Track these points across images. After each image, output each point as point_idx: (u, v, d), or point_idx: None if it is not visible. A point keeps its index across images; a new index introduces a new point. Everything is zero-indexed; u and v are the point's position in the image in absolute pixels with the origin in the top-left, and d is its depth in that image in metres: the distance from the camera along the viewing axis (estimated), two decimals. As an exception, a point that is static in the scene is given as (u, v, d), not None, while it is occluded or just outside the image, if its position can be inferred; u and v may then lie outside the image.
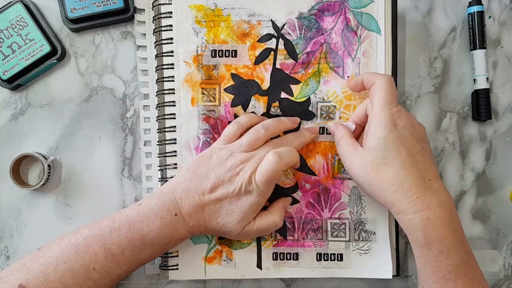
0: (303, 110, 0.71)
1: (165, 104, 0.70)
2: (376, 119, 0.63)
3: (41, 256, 0.59)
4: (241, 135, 0.67)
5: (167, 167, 0.71)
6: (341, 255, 0.72)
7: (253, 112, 0.71)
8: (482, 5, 0.74)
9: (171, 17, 0.70)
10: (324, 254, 0.72)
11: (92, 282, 0.59)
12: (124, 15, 0.73)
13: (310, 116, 0.71)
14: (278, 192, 0.70)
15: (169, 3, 0.70)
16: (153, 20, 0.71)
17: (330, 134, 0.71)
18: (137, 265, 0.63)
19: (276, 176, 0.62)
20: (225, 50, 0.70)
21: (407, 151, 0.61)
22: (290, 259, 0.71)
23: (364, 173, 0.63)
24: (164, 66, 0.70)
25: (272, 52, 0.71)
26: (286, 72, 0.71)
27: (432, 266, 0.60)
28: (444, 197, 0.61)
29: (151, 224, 0.61)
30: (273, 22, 0.70)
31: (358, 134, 0.70)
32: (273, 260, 0.71)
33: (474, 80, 0.75)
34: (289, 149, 0.64)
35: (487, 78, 0.74)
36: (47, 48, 0.72)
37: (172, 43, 0.70)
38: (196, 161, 0.66)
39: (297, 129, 0.71)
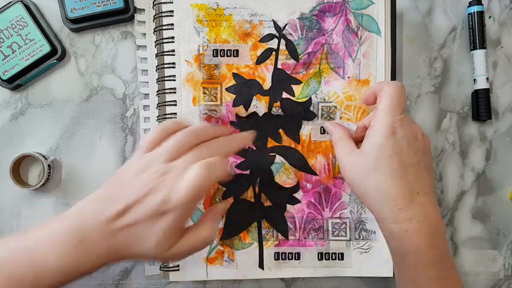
0: (304, 110, 0.71)
1: (166, 104, 0.70)
2: (377, 125, 0.60)
3: None
4: None
5: (168, 167, 0.70)
6: (342, 254, 0.72)
7: (254, 112, 0.71)
8: (482, 5, 0.75)
9: (172, 15, 0.70)
10: (325, 254, 0.72)
11: None
12: (124, 15, 0.73)
13: (311, 116, 0.71)
14: (280, 192, 0.71)
15: (170, 2, 0.70)
16: (154, 18, 0.71)
17: (331, 133, 0.71)
18: None
19: (202, 192, 0.54)
20: (227, 50, 0.70)
21: (400, 162, 0.59)
22: (292, 259, 0.72)
23: (353, 176, 0.62)
24: (165, 65, 0.70)
25: (273, 52, 0.71)
26: (288, 72, 0.71)
27: (407, 276, 0.60)
28: (430, 212, 0.59)
29: (53, 250, 0.51)
30: (274, 22, 0.70)
31: (362, 136, 0.67)
32: (275, 260, 0.71)
33: (474, 80, 0.75)
34: (218, 159, 0.56)
35: (487, 78, 0.75)
36: (47, 48, 0.71)
37: (173, 42, 0.70)
38: (115, 175, 0.57)
39: (297, 128, 0.71)
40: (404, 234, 0.58)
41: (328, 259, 0.72)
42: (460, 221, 0.76)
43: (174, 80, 0.70)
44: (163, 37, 0.70)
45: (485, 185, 0.76)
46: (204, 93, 0.70)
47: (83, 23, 0.73)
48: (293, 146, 0.71)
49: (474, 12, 0.75)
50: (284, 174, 0.71)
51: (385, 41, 0.71)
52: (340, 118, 0.71)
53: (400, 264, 0.60)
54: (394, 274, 0.71)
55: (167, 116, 0.70)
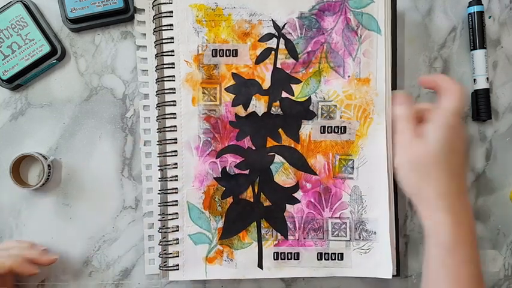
0: (303, 110, 0.71)
1: (166, 104, 0.70)
2: (442, 121, 0.63)
3: None
4: None
5: (167, 166, 0.71)
6: (341, 254, 0.72)
7: (254, 112, 0.71)
8: (482, 5, 0.75)
9: (172, 16, 0.70)
10: (325, 254, 0.72)
11: None
12: (124, 15, 0.73)
13: (311, 115, 0.71)
14: (279, 192, 0.71)
15: (169, 3, 0.70)
16: (153, 19, 0.71)
17: (330, 133, 0.71)
18: None
19: None
20: (226, 50, 0.70)
21: (457, 162, 0.63)
22: (291, 259, 0.71)
23: (408, 161, 0.65)
24: (165, 66, 0.70)
25: (273, 52, 0.71)
26: (287, 71, 0.71)
27: (438, 259, 0.62)
28: (470, 211, 0.63)
29: None
30: (273, 22, 0.70)
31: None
32: (274, 259, 0.71)
33: (474, 80, 0.75)
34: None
35: (487, 78, 0.75)
36: (47, 48, 0.71)
37: (173, 42, 0.70)
38: None
39: (297, 127, 0.71)
40: (456, 225, 0.61)
41: (328, 259, 0.72)
42: (460, 221, 0.76)
43: (174, 80, 0.70)
44: (163, 37, 0.70)
45: (485, 185, 0.76)
46: (203, 93, 0.70)
47: (83, 23, 0.73)
48: (293, 146, 0.71)
49: (474, 12, 0.74)
50: (283, 174, 0.71)
51: (385, 40, 0.71)
52: (340, 117, 0.71)
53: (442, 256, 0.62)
54: (395, 275, 0.71)
55: (167, 116, 0.70)
